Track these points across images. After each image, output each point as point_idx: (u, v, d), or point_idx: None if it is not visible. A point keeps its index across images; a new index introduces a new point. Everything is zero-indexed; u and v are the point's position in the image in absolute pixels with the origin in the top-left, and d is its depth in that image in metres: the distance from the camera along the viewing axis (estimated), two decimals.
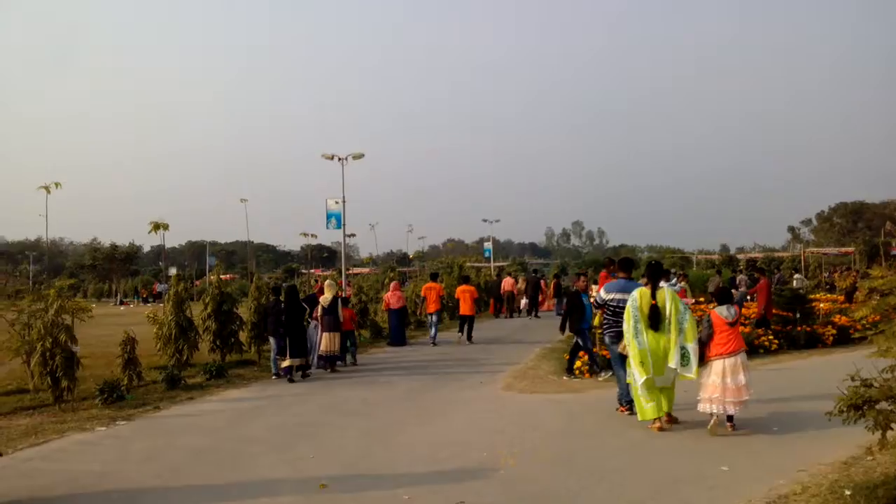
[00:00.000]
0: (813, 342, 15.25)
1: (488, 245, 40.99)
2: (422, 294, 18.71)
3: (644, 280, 7.94)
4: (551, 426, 8.05)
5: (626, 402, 8.21)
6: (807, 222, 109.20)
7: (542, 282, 28.37)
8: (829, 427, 7.39)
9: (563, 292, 23.52)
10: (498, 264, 59.61)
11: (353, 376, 12.80)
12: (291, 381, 11.95)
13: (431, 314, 17.66)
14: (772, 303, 15.51)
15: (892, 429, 4.51)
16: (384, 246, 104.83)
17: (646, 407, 7.36)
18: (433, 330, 17.55)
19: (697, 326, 7.44)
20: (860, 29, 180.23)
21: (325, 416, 9.07)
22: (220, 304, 14.33)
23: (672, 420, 7.60)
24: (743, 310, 19.26)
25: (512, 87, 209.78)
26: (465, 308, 17.81)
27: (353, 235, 21.24)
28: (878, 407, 4.60)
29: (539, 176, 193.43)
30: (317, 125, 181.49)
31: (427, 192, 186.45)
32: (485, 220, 41.74)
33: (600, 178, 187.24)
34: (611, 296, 8.41)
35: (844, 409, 4.75)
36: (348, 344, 14.07)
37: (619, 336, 8.11)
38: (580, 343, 11.79)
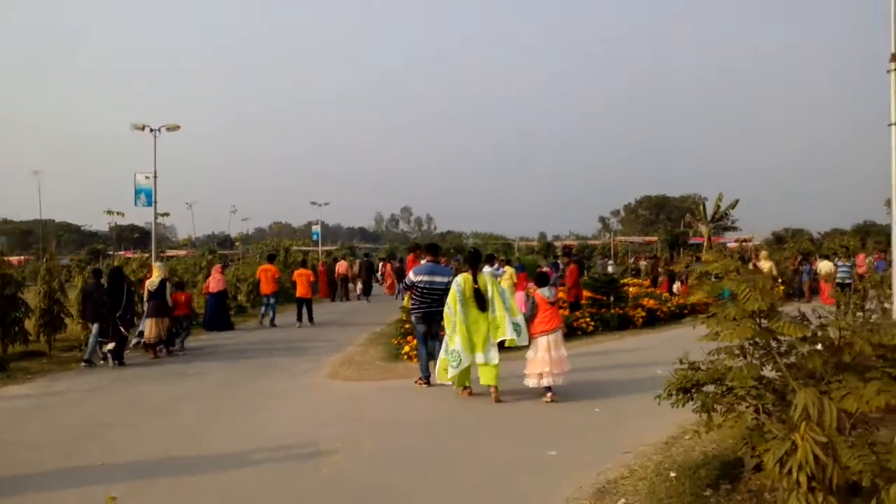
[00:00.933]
0: (625, 324, 16.09)
1: (317, 228, 39.79)
2: (257, 276, 18.29)
3: (466, 266, 8.55)
4: (379, 416, 7.59)
5: (425, 376, 8.95)
6: (615, 213, 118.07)
7: (387, 265, 28.65)
8: (646, 407, 7.60)
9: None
10: (326, 248, 58.44)
11: (163, 365, 11.65)
12: (121, 364, 11.39)
13: (268, 296, 17.34)
14: (580, 287, 16.15)
15: (716, 410, 4.51)
16: (205, 228, 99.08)
17: (450, 375, 8.02)
18: (271, 312, 17.29)
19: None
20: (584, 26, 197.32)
21: (122, 415, 7.95)
22: (2, 287, 12.41)
23: (499, 399, 8.00)
24: (559, 293, 20.22)
25: (340, 71, 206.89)
26: (301, 290, 17.67)
27: (167, 214, 19.44)
28: (704, 389, 4.59)
29: (369, 160, 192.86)
30: (131, 97, 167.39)
31: (253, 173, 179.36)
32: (313, 203, 40.48)
33: (429, 166, 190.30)
34: (419, 278, 8.90)
35: (673, 392, 4.70)
36: (181, 327, 13.50)
37: (425, 316, 8.85)
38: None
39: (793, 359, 4.26)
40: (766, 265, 20.11)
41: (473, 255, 8.59)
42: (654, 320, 16.96)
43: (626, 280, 23.60)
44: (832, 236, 52.30)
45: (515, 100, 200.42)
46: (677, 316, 17.98)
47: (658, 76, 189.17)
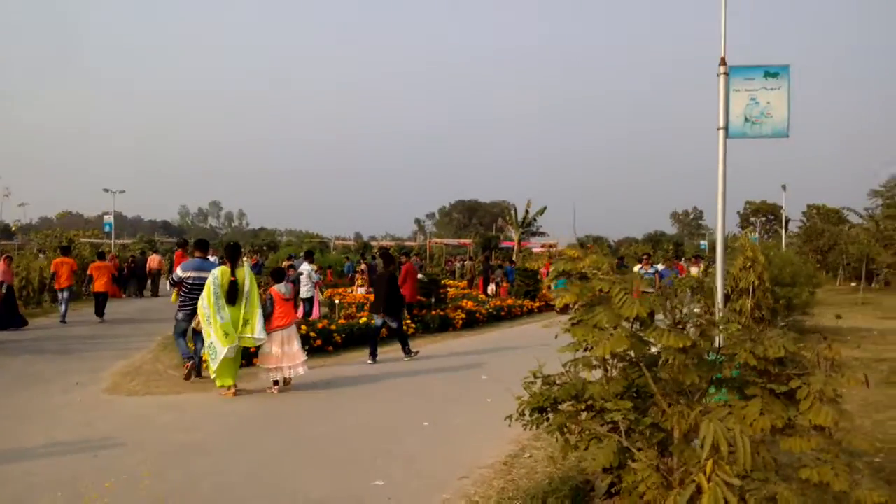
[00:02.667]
0: (445, 326, 15.68)
1: (109, 218, 35.65)
2: (52, 269, 17.00)
3: (223, 260, 8.85)
4: (162, 443, 6.17)
5: (188, 357, 9.12)
6: (430, 216, 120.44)
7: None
8: (477, 418, 7.10)
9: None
10: (123, 241, 53.14)
11: None
12: None
13: (63, 290, 16.31)
14: (416, 287, 15.51)
15: (573, 433, 3.87)
16: None
17: (213, 367, 7.99)
18: (64, 306, 16.23)
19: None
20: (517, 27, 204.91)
21: None
22: None
23: (233, 393, 8.18)
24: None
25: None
26: (100, 285, 16.94)
27: None
28: (561, 408, 3.93)
29: (175, 150, 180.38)
30: None
31: (42, 158, 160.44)
32: (106, 191, 36.27)
33: (240, 160, 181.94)
34: (187, 274, 8.97)
35: (527, 411, 4.00)
36: None
37: (192, 312, 8.80)
38: (391, 326, 11.28)
39: (661, 371, 3.71)
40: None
41: (233, 249, 8.61)
42: (473, 322, 16.73)
43: (445, 281, 23.40)
44: (625, 244, 56.90)
45: (339, 99, 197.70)
46: (495, 318, 17.96)
47: (479, 93, 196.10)
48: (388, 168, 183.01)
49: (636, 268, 17.66)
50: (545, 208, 44.83)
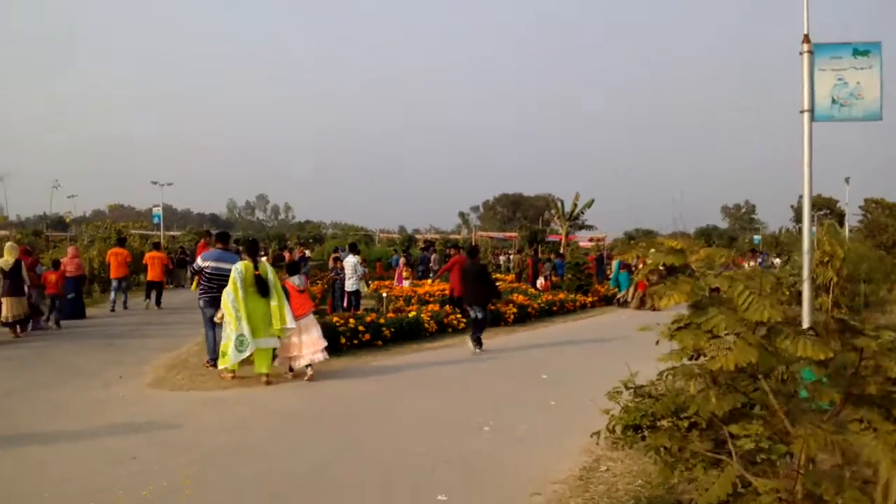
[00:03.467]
0: (496, 321, 15.11)
1: (158, 210, 35.99)
2: (107, 260, 17.37)
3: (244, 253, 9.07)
4: (206, 444, 5.77)
5: (212, 359, 9.05)
6: (475, 209, 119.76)
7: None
8: (542, 423, 6.52)
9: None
10: (172, 233, 53.85)
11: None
12: None
13: (118, 280, 16.63)
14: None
15: (676, 456, 3.28)
16: (27, 207, 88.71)
17: (234, 359, 8.10)
18: (124, 296, 16.89)
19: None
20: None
21: None
22: None
23: (269, 382, 8.30)
24: (430, 286, 19.05)
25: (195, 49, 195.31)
26: (153, 274, 17.13)
27: None
28: (660, 424, 3.34)
29: (222, 145, 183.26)
30: None
31: (88, 148, 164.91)
32: (154, 183, 36.65)
33: (287, 154, 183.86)
34: (207, 263, 9.12)
35: (619, 428, 3.43)
36: (54, 306, 13.63)
37: (213, 301, 8.98)
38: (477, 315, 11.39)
39: (786, 384, 3.10)
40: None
41: (251, 244, 9.02)
42: (525, 317, 16.12)
43: (494, 275, 22.84)
44: (676, 238, 55.24)
45: (384, 92, 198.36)
46: (547, 313, 17.31)
47: (518, 82, 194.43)
48: (433, 161, 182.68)
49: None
50: (592, 201, 43.82)
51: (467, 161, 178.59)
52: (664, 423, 3.37)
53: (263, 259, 8.81)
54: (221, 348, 8.35)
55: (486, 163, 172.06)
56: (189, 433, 6.09)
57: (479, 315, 11.47)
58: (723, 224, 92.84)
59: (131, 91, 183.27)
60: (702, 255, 3.09)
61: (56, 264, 14.45)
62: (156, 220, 36.96)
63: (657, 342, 3.38)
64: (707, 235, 53.18)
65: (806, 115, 6.06)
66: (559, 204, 44.43)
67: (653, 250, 3.18)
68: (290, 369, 8.73)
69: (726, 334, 2.83)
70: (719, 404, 3.07)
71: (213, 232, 11.71)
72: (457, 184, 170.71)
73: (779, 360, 2.93)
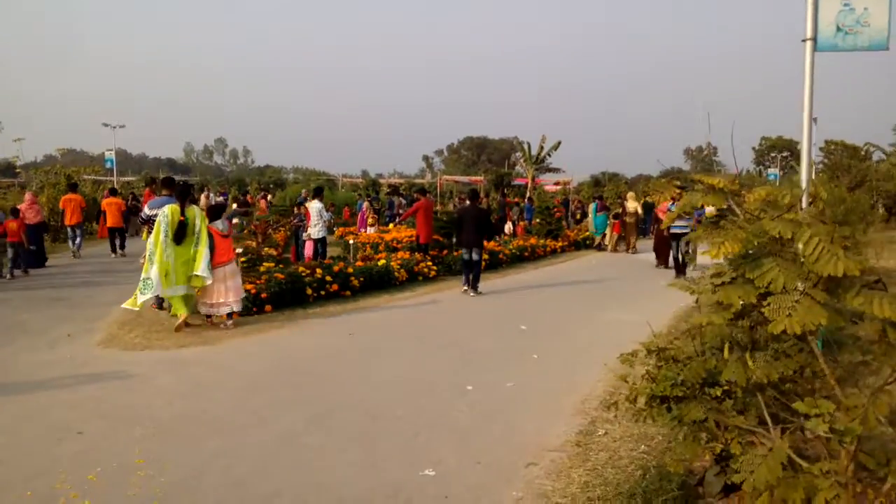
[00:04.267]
0: None
1: (110, 154, 34.39)
2: (61, 206, 16.87)
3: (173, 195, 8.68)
4: (162, 413, 5.18)
5: (158, 302, 9.20)
6: (438, 153, 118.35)
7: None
8: (526, 383, 6.02)
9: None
10: (127, 179, 51.77)
11: None
12: None
13: (72, 227, 16.31)
14: (432, 226, 14.42)
15: (713, 432, 2.82)
16: None
17: (139, 300, 8.03)
18: (71, 243, 16.52)
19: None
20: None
21: None
22: None
23: (183, 325, 8.22)
24: (396, 233, 18.45)
25: None
26: (112, 220, 16.81)
27: None
28: (687, 399, 2.86)
29: (179, 86, 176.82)
30: None
31: (44, 92, 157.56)
32: (106, 125, 34.93)
33: (245, 96, 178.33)
34: (153, 212, 8.72)
35: (642, 399, 2.95)
36: (17, 253, 13.22)
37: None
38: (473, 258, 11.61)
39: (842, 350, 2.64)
40: (632, 205, 19.69)
41: (182, 188, 8.64)
42: (496, 264, 15.66)
43: None
44: (639, 181, 55.22)
45: (341, 31, 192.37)
46: (518, 259, 16.88)
47: (484, 33, 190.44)
48: (395, 105, 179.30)
49: (669, 203, 16.23)
50: (559, 143, 43.20)
51: (430, 103, 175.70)
52: (685, 391, 2.89)
53: (195, 206, 8.59)
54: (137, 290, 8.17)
55: (449, 105, 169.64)
56: (143, 401, 5.49)
57: (476, 257, 11.65)
58: (685, 166, 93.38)
59: (87, 22, 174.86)
60: (760, 194, 2.57)
61: (15, 212, 13.89)
62: (108, 165, 35.36)
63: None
64: (675, 177, 53.14)
65: (808, 45, 5.51)
66: (526, 146, 43.72)
67: (681, 190, 2.63)
68: (208, 317, 8.54)
69: (787, 291, 2.33)
70: (767, 370, 2.60)
71: (157, 178, 11.12)
72: (420, 127, 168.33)
73: (844, 320, 2.46)
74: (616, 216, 20.44)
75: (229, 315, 8.54)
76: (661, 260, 15.78)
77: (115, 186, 22.95)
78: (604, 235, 20.68)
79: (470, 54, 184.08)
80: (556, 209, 23.77)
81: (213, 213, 8.89)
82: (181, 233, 8.07)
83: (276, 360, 6.90)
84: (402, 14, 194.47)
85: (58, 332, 8.10)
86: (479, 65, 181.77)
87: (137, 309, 8.24)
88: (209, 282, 8.22)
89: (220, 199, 25.24)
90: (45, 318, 8.88)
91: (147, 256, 8.11)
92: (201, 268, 8.13)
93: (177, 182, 9.25)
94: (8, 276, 12.82)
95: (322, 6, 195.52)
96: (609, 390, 5.78)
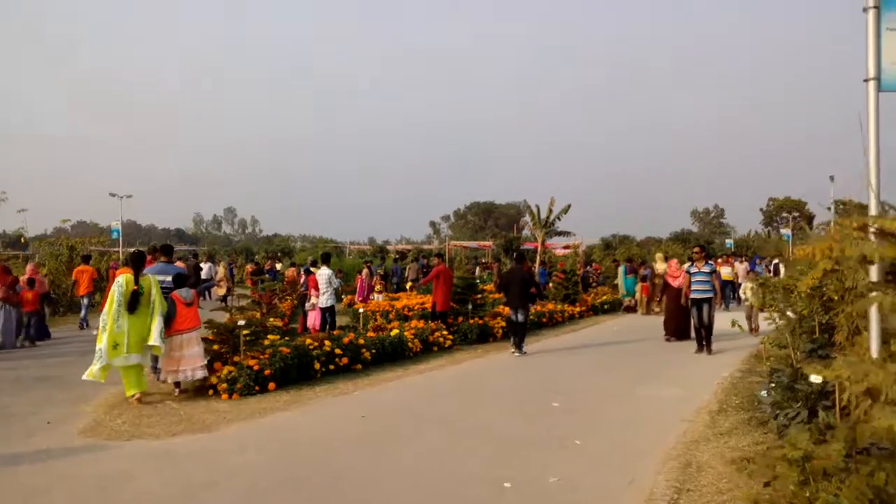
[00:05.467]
0: (484, 336, 13.83)
1: (116, 225, 34.03)
2: (73, 277, 17.41)
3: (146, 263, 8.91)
4: None
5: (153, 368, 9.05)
6: (445, 218, 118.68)
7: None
8: (574, 476, 4.85)
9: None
10: (134, 250, 51.47)
11: None
12: None
13: (83, 297, 16.71)
14: (450, 294, 13.67)
15: None
16: None
17: (95, 370, 7.81)
18: (83, 312, 16.72)
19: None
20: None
21: None
22: None
23: (141, 400, 8.06)
24: (407, 300, 17.65)
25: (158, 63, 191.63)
26: (82, 289, 16.78)
27: None
28: None
29: (189, 160, 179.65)
30: None
31: (52, 168, 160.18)
32: (113, 195, 34.72)
33: (252, 168, 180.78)
34: (176, 275, 9.11)
35: None
36: (30, 324, 13.49)
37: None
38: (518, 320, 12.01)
39: None
40: (661, 266, 18.93)
41: (136, 256, 8.53)
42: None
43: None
44: (650, 244, 54.58)
45: (346, 97, 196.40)
46: (536, 325, 16.04)
47: (472, 89, 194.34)
48: (402, 172, 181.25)
49: (684, 266, 15.15)
50: (569, 206, 42.55)
51: (436, 170, 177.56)
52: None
53: (151, 274, 8.56)
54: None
55: (456, 171, 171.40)
56: None
57: (521, 318, 12.03)
58: (692, 228, 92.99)
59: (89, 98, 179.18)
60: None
61: (31, 283, 14.21)
62: (115, 236, 34.98)
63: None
64: (684, 240, 52.48)
65: (871, 85, 4.83)
66: (535, 209, 43.28)
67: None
68: (177, 385, 8.51)
69: None
70: None
71: (158, 246, 11.54)
72: (426, 194, 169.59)
73: None
74: (643, 278, 19.77)
75: (177, 384, 8.50)
76: (672, 331, 14.09)
77: (89, 254, 22.25)
78: (633, 298, 20.14)
79: (475, 118, 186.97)
80: (575, 274, 23.04)
81: (178, 281, 8.97)
82: (134, 302, 8.01)
83: (281, 453, 6.01)
84: (407, 77, 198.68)
85: (39, 417, 7.26)
86: (483, 129, 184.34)
87: (101, 381, 7.89)
88: (163, 349, 8.20)
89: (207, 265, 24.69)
90: (27, 402, 8.04)
91: (101, 327, 8.01)
92: (154, 337, 8.09)
93: (133, 252, 9.30)
94: (27, 344, 13.22)
95: (328, 69, 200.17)
96: (674, 486, 4.88)
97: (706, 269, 12.39)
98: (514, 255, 15.11)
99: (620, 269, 21.38)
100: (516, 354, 11.80)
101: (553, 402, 7.94)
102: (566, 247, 48.81)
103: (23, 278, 14.35)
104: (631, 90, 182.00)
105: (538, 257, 37.93)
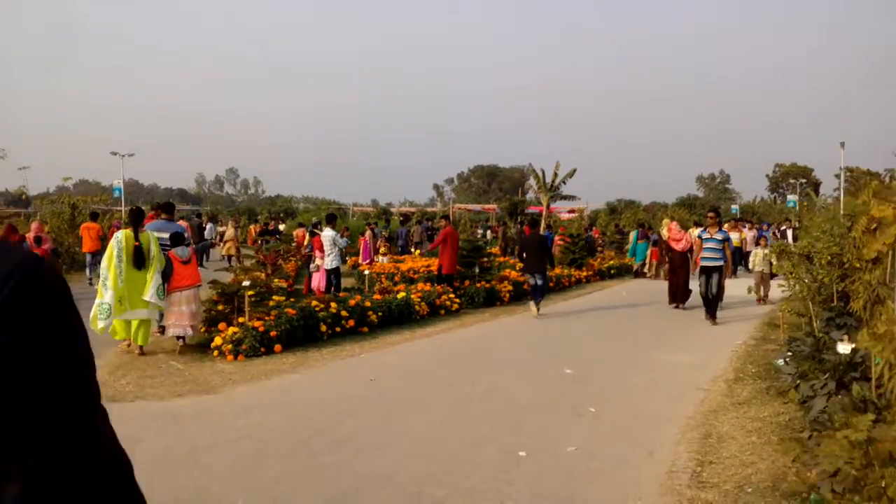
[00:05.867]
0: (491, 300, 13.66)
1: (118, 183, 33.75)
2: (80, 234, 17.62)
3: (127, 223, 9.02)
4: (148, 493, 4.13)
5: (160, 326, 9.03)
6: (449, 181, 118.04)
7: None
8: (592, 447, 4.58)
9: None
10: (133, 206, 51.13)
11: None
12: None
13: (91, 254, 16.53)
14: (456, 256, 13.47)
15: None
16: None
17: (99, 325, 7.88)
18: (88, 270, 16.61)
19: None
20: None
21: None
22: None
23: (143, 353, 8.25)
24: (412, 262, 17.45)
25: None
26: (87, 247, 16.81)
27: None
28: None
29: (189, 119, 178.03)
30: None
31: (53, 124, 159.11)
32: (114, 154, 34.36)
33: (254, 128, 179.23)
34: (173, 234, 9.12)
35: None
36: None
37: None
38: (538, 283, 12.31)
39: None
40: (666, 233, 18.77)
41: (135, 213, 8.66)
42: (521, 294, 14.63)
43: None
44: (655, 209, 54.14)
45: (350, 61, 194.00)
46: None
47: (498, 65, 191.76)
48: (405, 134, 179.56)
49: (695, 232, 14.64)
50: (575, 170, 42.14)
51: (439, 132, 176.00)
52: None
53: (150, 231, 8.70)
54: (92, 312, 7.97)
55: (458, 134, 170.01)
56: None
57: (541, 282, 12.35)
58: (697, 194, 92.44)
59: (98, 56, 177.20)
60: None
61: (38, 240, 14.36)
62: (116, 194, 34.74)
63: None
64: (690, 205, 51.97)
65: None
66: (540, 173, 42.85)
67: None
68: (180, 338, 8.62)
69: None
70: None
71: (161, 203, 11.54)
72: (430, 156, 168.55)
73: None
74: (654, 243, 19.63)
75: (180, 338, 8.57)
76: (679, 297, 13.54)
77: (97, 212, 22.09)
78: (643, 263, 20.06)
79: (478, 82, 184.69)
80: (581, 237, 22.83)
81: (175, 239, 8.89)
82: (139, 257, 8.14)
83: (288, 415, 5.86)
84: (410, 39, 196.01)
85: None
86: (488, 92, 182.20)
87: (99, 334, 7.85)
88: (162, 305, 8.33)
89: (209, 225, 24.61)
90: None
91: (101, 282, 8.09)
92: (149, 293, 8.13)
93: (132, 209, 9.24)
94: None
95: (335, 34, 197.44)
96: (696, 458, 4.72)
97: (719, 235, 11.69)
98: (530, 220, 15.20)
99: (632, 234, 21.27)
100: (536, 316, 12.06)
101: (565, 367, 7.78)
102: (571, 211, 48.53)
103: (29, 236, 14.42)
104: (640, 58, 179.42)
105: (543, 221, 37.76)
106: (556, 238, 21.74)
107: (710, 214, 12.28)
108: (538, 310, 12.22)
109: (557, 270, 17.69)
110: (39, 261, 0.85)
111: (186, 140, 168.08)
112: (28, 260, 0.82)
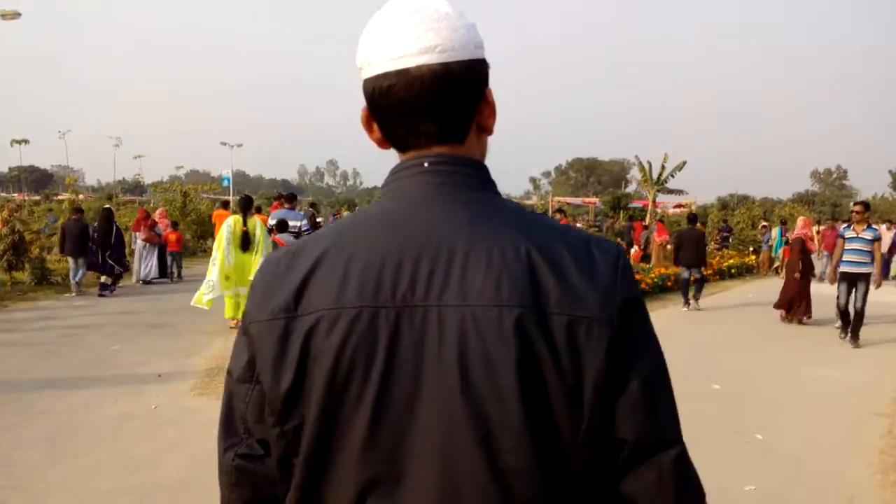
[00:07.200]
0: None
1: (227, 173, 34.77)
2: (213, 221, 17.45)
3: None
4: None
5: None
6: (546, 174, 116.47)
7: None
8: (768, 487, 4.10)
9: None
10: (243, 194, 52.91)
11: None
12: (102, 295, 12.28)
13: None
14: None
15: None
16: (103, 172, 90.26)
17: (204, 299, 8.60)
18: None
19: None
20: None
21: None
22: None
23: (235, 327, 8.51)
24: None
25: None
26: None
27: (25, 142, 14.78)
28: None
29: (294, 112, 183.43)
30: None
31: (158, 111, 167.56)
32: (224, 144, 35.40)
33: (354, 119, 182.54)
34: (274, 221, 10.13)
35: None
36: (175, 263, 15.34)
37: None
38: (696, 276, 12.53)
39: None
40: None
41: (245, 201, 9.54)
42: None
43: None
44: (768, 205, 50.81)
45: None
46: (660, 289, 14.71)
47: (601, 51, 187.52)
48: (502, 126, 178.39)
49: (842, 228, 12.07)
50: (685, 163, 40.01)
51: (537, 124, 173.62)
52: None
53: (257, 216, 9.61)
54: (199, 291, 8.68)
55: (559, 128, 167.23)
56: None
57: (697, 275, 12.63)
58: (814, 189, 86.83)
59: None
60: None
61: (175, 225, 16.14)
62: (225, 184, 35.80)
63: None
64: (809, 202, 48.46)
65: None
66: (647, 165, 40.94)
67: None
68: None
69: None
70: None
71: (284, 194, 12.85)
72: (526, 149, 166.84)
73: None
74: (787, 242, 18.20)
75: None
76: (798, 310, 11.06)
77: (228, 200, 22.62)
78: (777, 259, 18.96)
79: (584, 75, 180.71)
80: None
81: (281, 227, 9.79)
82: (246, 241, 8.82)
83: None
84: (508, 35, 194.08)
85: (149, 369, 6.89)
86: (592, 84, 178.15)
87: (206, 308, 8.64)
88: None
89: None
90: (138, 351, 7.75)
91: (211, 261, 8.86)
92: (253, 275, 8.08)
93: (243, 196, 10.04)
94: (176, 278, 15.09)
95: None
96: None
97: (867, 234, 9.32)
98: (689, 216, 15.51)
99: (776, 231, 20.02)
100: (685, 309, 12.42)
101: (712, 383, 6.85)
102: (678, 205, 46.23)
103: (164, 221, 15.71)
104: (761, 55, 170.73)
105: (648, 216, 36.01)
106: (655, 234, 20.05)
107: (857, 208, 9.76)
108: (696, 301, 12.53)
109: (675, 269, 16.49)
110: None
111: (290, 131, 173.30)
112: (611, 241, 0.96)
